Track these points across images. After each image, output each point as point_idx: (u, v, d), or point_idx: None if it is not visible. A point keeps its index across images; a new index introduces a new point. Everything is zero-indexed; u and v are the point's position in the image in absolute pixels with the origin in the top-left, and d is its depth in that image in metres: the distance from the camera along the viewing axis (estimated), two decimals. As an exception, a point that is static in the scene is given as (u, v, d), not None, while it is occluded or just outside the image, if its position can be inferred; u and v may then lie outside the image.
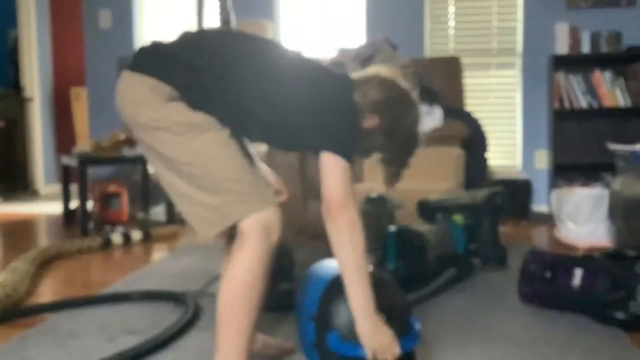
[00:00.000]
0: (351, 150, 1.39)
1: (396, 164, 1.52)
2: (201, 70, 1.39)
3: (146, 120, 1.38)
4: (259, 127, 1.45)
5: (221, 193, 1.36)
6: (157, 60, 1.42)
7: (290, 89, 1.42)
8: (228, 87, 1.39)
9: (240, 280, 1.35)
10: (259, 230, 1.35)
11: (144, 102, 1.38)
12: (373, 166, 3.29)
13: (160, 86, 1.37)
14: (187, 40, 1.47)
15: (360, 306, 1.34)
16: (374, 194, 2.72)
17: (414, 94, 1.51)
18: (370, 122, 1.45)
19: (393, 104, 1.47)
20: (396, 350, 1.34)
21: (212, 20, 4.11)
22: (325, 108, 1.41)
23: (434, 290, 2.22)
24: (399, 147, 1.51)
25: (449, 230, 2.44)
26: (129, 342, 1.80)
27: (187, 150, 1.36)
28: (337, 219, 1.35)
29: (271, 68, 1.43)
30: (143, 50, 1.47)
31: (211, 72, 1.40)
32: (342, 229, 1.35)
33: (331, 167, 1.37)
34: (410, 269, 2.22)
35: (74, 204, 4.21)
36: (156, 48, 1.45)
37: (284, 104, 1.42)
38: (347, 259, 1.35)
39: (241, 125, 1.42)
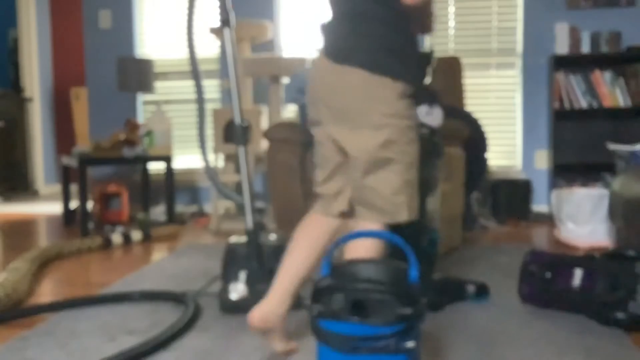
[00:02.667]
0: None
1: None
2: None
3: (378, 119, 1.55)
4: None
5: (403, 194, 1.58)
6: (377, 56, 1.57)
7: None
8: None
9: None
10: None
11: (377, 98, 1.55)
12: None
13: (393, 84, 1.54)
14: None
15: None
16: None
17: None
18: None
19: None
20: None
21: (211, 20, 4.11)
22: None
23: None
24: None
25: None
26: (129, 342, 1.80)
27: (402, 149, 1.56)
28: None
29: None
30: (352, 41, 1.60)
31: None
32: None
33: None
34: None
35: (74, 204, 4.21)
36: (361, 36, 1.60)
37: None
38: None
39: None
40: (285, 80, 3.98)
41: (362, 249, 1.54)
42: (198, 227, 4.09)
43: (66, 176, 4.25)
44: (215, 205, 3.94)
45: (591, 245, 3.09)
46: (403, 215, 1.58)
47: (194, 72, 2.23)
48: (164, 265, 2.91)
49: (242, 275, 2.12)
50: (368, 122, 1.56)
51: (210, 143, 4.09)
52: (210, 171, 2.28)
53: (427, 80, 1.80)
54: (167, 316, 2.06)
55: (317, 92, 1.65)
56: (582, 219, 3.24)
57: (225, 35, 2.22)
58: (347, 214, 1.70)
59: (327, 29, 1.68)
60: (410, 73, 1.59)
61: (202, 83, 2.26)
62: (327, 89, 1.62)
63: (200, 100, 2.25)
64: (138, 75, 4.36)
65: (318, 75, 1.66)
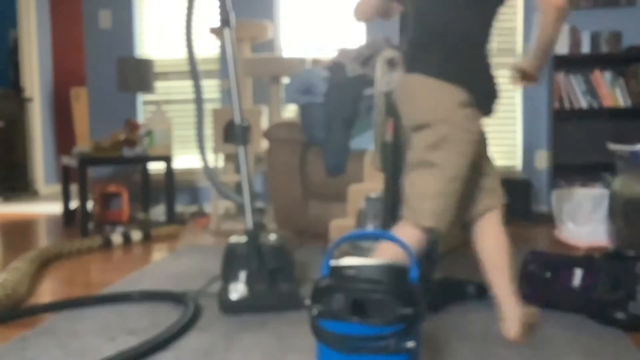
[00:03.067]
0: None
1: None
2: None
3: (431, 121, 1.59)
4: None
5: (434, 202, 1.62)
6: (449, 65, 1.62)
7: None
8: None
9: None
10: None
11: (434, 101, 1.60)
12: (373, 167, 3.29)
13: (453, 90, 1.60)
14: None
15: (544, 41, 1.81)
16: (373, 194, 2.72)
17: None
18: None
19: None
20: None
21: (211, 20, 4.11)
22: None
23: None
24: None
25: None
26: (129, 342, 1.80)
27: (448, 159, 1.60)
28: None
29: None
30: (421, 51, 1.67)
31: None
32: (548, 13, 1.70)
33: None
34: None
35: (74, 204, 4.21)
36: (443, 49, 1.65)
37: None
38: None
39: None
40: (285, 80, 3.97)
41: (391, 251, 1.55)
42: (198, 227, 4.09)
43: (66, 176, 4.25)
44: (215, 205, 3.94)
45: (591, 245, 3.10)
46: (427, 221, 1.62)
47: (193, 72, 2.23)
48: (164, 265, 2.91)
49: (242, 275, 2.12)
50: (425, 124, 1.60)
51: (210, 143, 4.09)
52: (209, 171, 2.28)
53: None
54: (167, 316, 2.06)
55: (399, 106, 1.72)
56: (582, 219, 3.24)
57: (225, 35, 2.23)
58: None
59: (405, 43, 1.76)
60: (476, 85, 1.64)
61: (201, 83, 2.26)
62: (399, 99, 1.70)
63: (199, 101, 2.25)
64: (138, 75, 4.36)
65: (397, 88, 1.74)
